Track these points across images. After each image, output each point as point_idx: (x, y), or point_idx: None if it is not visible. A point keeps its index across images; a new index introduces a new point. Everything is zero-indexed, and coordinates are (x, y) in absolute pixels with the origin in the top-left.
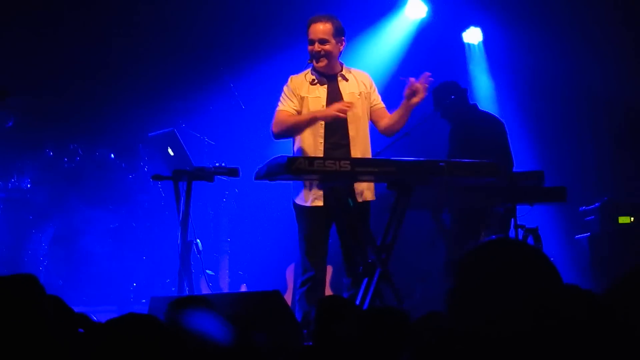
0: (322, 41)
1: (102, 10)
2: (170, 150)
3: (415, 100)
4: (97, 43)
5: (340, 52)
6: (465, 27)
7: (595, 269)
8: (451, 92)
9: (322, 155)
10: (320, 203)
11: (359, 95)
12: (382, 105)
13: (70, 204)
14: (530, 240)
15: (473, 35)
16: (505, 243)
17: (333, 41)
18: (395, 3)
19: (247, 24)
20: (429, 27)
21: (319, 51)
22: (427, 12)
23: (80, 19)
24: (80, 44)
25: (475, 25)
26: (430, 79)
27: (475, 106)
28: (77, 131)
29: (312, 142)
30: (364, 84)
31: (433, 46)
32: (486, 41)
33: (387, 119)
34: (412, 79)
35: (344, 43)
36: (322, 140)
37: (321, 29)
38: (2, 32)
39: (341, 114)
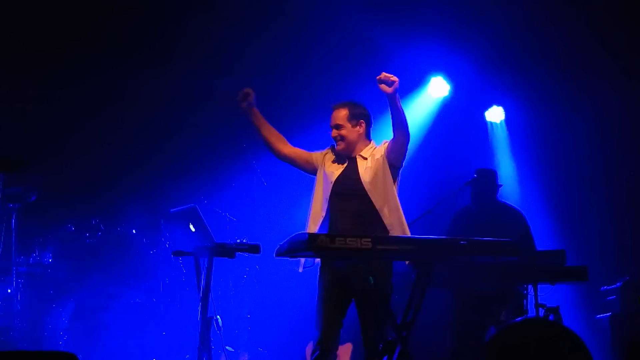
0: (338, 126)
1: (124, 85)
2: (191, 226)
3: (387, 89)
4: (119, 119)
5: (364, 133)
6: (487, 106)
7: (616, 349)
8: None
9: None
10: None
11: (375, 163)
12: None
13: (91, 279)
14: (551, 319)
15: (495, 114)
16: (538, 323)
17: (348, 125)
18: (418, 82)
19: (268, 102)
20: (451, 105)
21: (336, 136)
22: (450, 90)
23: (103, 94)
24: (103, 119)
25: (498, 104)
26: (393, 78)
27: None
28: (99, 206)
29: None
30: (379, 151)
31: (455, 124)
32: (508, 120)
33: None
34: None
35: (363, 125)
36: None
37: (337, 115)
38: (24, 108)
39: None
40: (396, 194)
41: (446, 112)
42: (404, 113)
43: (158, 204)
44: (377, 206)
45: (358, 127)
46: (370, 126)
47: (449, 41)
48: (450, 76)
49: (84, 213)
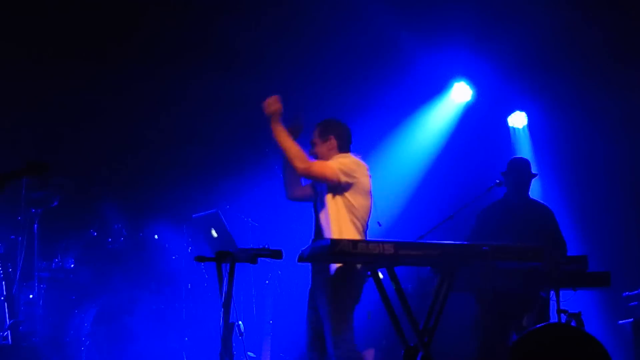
0: (312, 144)
1: (149, 92)
2: (213, 232)
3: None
4: (142, 124)
5: (335, 148)
6: (510, 111)
7: (638, 355)
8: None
9: None
10: None
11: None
12: None
13: (113, 284)
14: (572, 325)
15: (518, 119)
16: (560, 329)
17: (319, 141)
18: (441, 86)
19: (293, 106)
20: (474, 110)
21: (311, 152)
22: (473, 95)
23: (128, 100)
24: (126, 125)
25: (520, 109)
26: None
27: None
28: (121, 212)
29: None
30: None
31: (478, 129)
32: (531, 125)
33: None
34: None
35: (332, 140)
36: None
37: (313, 134)
38: (48, 112)
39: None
40: (338, 207)
41: (469, 117)
42: (282, 144)
43: (180, 209)
44: (318, 216)
45: (328, 142)
46: (344, 140)
47: (472, 46)
48: (473, 81)
49: (106, 218)
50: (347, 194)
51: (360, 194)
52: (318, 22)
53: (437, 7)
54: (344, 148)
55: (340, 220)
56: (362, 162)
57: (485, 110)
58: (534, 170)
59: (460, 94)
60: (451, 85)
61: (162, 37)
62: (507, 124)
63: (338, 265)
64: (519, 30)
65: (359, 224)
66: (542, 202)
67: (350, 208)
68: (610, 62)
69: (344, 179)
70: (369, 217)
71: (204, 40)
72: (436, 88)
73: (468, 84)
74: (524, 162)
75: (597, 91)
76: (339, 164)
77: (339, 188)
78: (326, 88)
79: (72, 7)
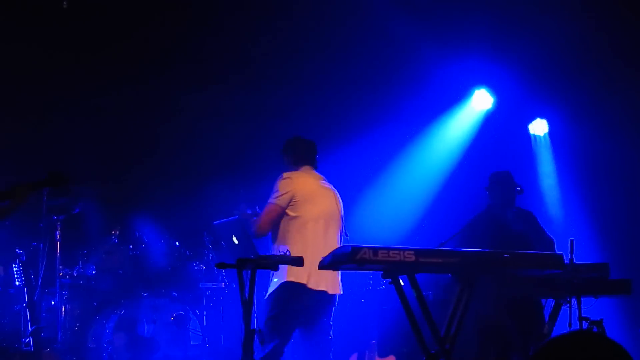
0: None
1: (169, 98)
2: (234, 239)
3: None
4: (164, 131)
5: (289, 164)
6: (531, 118)
7: None
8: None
9: None
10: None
11: None
12: None
13: (134, 291)
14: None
15: (539, 127)
16: (584, 335)
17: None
18: (462, 94)
19: (312, 116)
20: (494, 118)
21: None
22: (493, 103)
23: (149, 106)
24: (147, 131)
25: (542, 117)
26: None
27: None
28: (142, 219)
29: None
30: None
31: (498, 136)
32: (552, 133)
33: None
34: None
35: (286, 156)
36: None
37: None
38: (69, 121)
39: None
40: (282, 222)
41: (490, 124)
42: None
43: (201, 215)
44: None
45: (285, 159)
46: (298, 154)
47: (493, 54)
48: (494, 89)
49: (128, 225)
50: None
51: (301, 202)
52: (339, 33)
53: (457, 16)
54: (298, 162)
55: (279, 232)
56: (296, 174)
57: (506, 117)
58: (552, 181)
59: (481, 101)
60: (472, 93)
61: (190, 43)
62: (528, 131)
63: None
64: (540, 38)
65: (302, 231)
66: (523, 208)
67: (289, 220)
68: (631, 70)
69: (283, 203)
70: (326, 216)
71: (228, 49)
72: (457, 96)
73: (489, 91)
74: (508, 176)
75: (619, 98)
76: (270, 199)
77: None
78: (348, 98)
79: (82, 11)
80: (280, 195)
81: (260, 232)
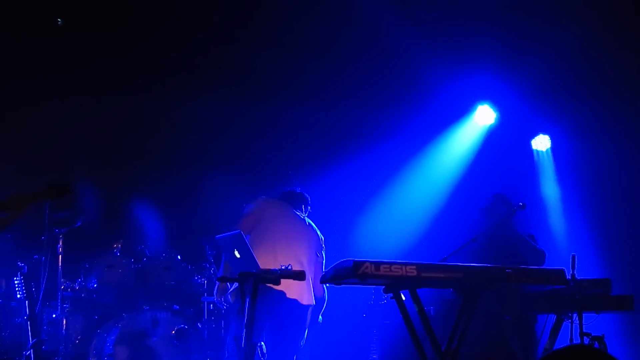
0: None
1: (170, 110)
2: (236, 253)
3: None
4: (165, 144)
5: None
6: (533, 134)
7: None
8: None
9: None
10: None
11: None
12: None
13: (136, 305)
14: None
15: (542, 142)
16: (583, 350)
17: None
18: (465, 109)
19: (313, 130)
20: (497, 133)
21: None
22: (496, 118)
23: (149, 119)
24: (149, 144)
25: (544, 132)
26: None
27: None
28: (144, 233)
29: None
30: None
31: (501, 151)
32: (554, 148)
33: None
34: None
35: None
36: None
37: None
38: (70, 133)
39: None
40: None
41: (492, 139)
42: None
43: (203, 230)
44: None
45: None
46: None
47: (496, 69)
48: (497, 104)
49: (130, 239)
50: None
51: (264, 226)
52: (344, 47)
53: (461, 31)
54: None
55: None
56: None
57: (508, 133)
58: (554, 197)
59: (484, 116)
60: (475, 108)
61: (192, 55)
62: (531, 146)
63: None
64: (543, 53)
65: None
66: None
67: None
68: (634, 85)
69: (246, 228)
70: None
71: (233, 59)
72: (460, 111)
73: (492, 106)
74: (504, 198)
75: (621, 114)
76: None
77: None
78: (351, 113)
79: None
80: (242, 222)
81: None
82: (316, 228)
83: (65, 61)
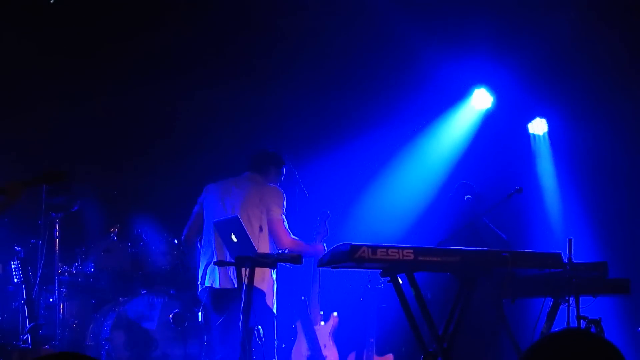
0: None
1: (168, 98)
2: (233, 237)
3: None
4: (163, 129)
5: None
6: (530, 118)
7: None
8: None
9: None
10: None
11: None
12: None
13: (133, 289)
14: (592, 331)
15: (538, 126)
16: (578, 334)
17: None
18: (462, 93)
19: (310, 117)
20: (494, 117)
21: None
22: (493, 102)
23: (148, 105)
24: (147, 129)
25: (541, 116)
26: None
27: None
28: (141, 217)
29: None
30: None
31: (498, 135)
32: (551, 132)
33: None
34: None
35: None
36: None
37: None
38: (68, 118)
39: None
40: None
41: (489, 123)
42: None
43: None
44: None
45: (274, 171)
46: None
47: (493, 53)
48: (494, 88)
49: (127, 223)
50: None
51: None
52: (339, 33)
53: (457, 15)
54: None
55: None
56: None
57: (505, 117)
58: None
59: (480, 100)
60: (471, 92)
61: (190, 45)
62: (528, 130)
63: None
64: (539, 37)
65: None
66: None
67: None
68: (631, 69)
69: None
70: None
71: (232, 50)
72: (457, 95)
73: (488, 90)
74: (469, 187)
75: (618, 98)
76: (281, 215)
77: None
78: (347, 97)
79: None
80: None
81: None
82: (260, 184)
83: (62, 50)
